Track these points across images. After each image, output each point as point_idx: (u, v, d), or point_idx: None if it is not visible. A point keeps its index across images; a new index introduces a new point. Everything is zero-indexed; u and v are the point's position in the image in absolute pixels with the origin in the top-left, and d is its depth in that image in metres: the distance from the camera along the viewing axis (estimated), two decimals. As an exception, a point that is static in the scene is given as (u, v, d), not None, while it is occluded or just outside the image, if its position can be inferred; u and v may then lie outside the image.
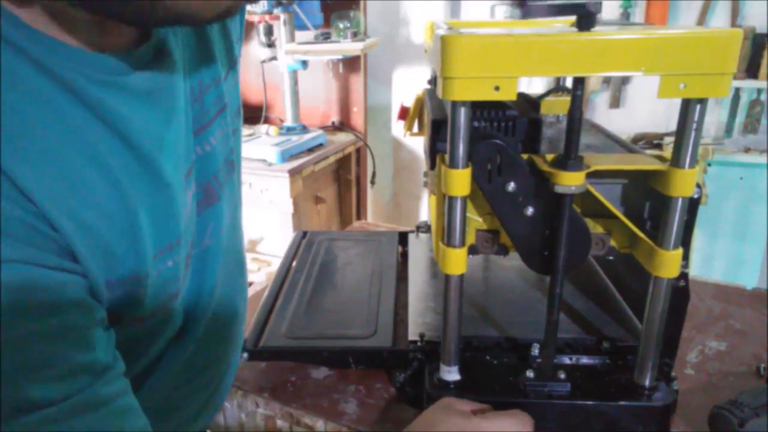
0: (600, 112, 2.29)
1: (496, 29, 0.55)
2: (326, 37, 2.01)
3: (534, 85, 2.11)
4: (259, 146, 1.91)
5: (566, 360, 0.67)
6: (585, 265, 0.85)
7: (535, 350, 0.64)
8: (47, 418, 0.34)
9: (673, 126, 1.02)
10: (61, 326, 0.35)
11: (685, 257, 0.57)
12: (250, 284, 1.11)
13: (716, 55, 0.46)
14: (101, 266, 0.38)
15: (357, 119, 2.35)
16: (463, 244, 0.57)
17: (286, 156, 1.91)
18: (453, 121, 0.52)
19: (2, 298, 0.31)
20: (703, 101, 0.50)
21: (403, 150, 2.64)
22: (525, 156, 0.56)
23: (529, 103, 0.70)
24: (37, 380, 0.34)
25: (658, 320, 0.58)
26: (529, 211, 0.56)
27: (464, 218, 0.56)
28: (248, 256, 2.05)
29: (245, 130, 2.08)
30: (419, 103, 0.91)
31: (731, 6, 2.05)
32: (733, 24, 2.05)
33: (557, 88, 0.74)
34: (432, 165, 0.63)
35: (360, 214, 2.45)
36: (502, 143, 0.55)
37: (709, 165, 2.04)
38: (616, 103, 2.26)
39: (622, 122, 2.25)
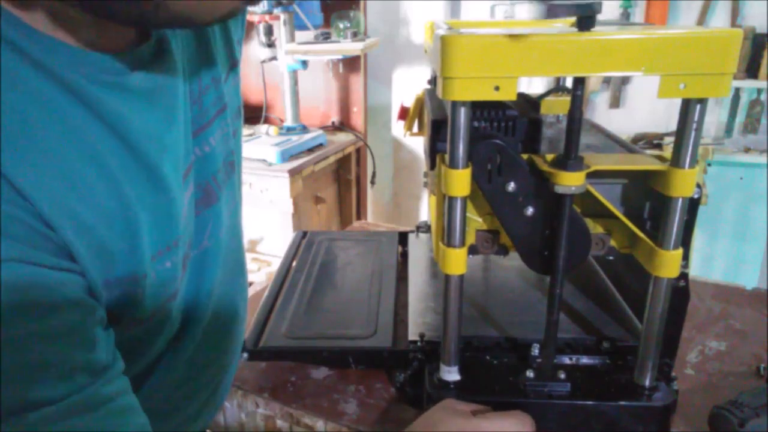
0: (600, 112, 2.29)
1: (496, 29, 0.55)
2: (326, 37, 2.01)
3: (534, 85, 2.11)
4: (259, 146, 1.92)
5: (566, 360, 0.67)
6: (585, 265, 0.85)
7: (535, 350, 0.64)
8: (47, 418, 0.34)
9: (673, 126, 1.02)
10: (61, 326, 0.35)
11: (685, 257, 0.57)
12: (250, 284, 1.11)
13: (716, 55, 0.46)
14: (99, 266, 0.38)
15: (357, 119, 2.35)
16: (463, 244, 0.57)
17: (286, 156, 1.91)
18: (453, 121, 0.52)
19: (2, 297, 0.32)
20: (703, 101, 0.50)
21: (403, 150, 2.64)
22: (525, 156, 0.56)
23: (529, 103, 0.70)
24: (36, 380, 0.34)
25: (658, 320, 0.58)
26: (529, 211, 0.56)
27: (464, 218, 0.56)
28: (248, 256, 2.05)
29: (245, 130, 2.08)
30: (419, 103, 0.91)
31: (731, 6, 2.05)
32: (733, 24, 2.05)
33: (557, 88, 0.74)
34: (432, 165, 0.63)
35: (360, 214, 2.46)
36: (502, 143, 0.55)
37: (709, 165, 2.04)
38: (616, 103, 2.26)
39: (622, 122, 2.25)
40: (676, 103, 0.50)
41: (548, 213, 0.56)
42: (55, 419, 0.34)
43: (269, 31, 1.98)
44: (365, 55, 2.27)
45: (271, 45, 1.99)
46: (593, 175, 0.54)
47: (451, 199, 0.55)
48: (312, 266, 0.94)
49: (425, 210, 2.59)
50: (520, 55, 0.47)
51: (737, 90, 2.13)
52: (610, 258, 0.61)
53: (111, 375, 0.38)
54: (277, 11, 1.89)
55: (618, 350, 0.67)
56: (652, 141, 2.12)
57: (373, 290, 0.85)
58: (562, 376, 0.61)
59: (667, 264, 0.55)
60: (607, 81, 2.23)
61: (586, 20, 0.48)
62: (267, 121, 2.29)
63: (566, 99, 0.73)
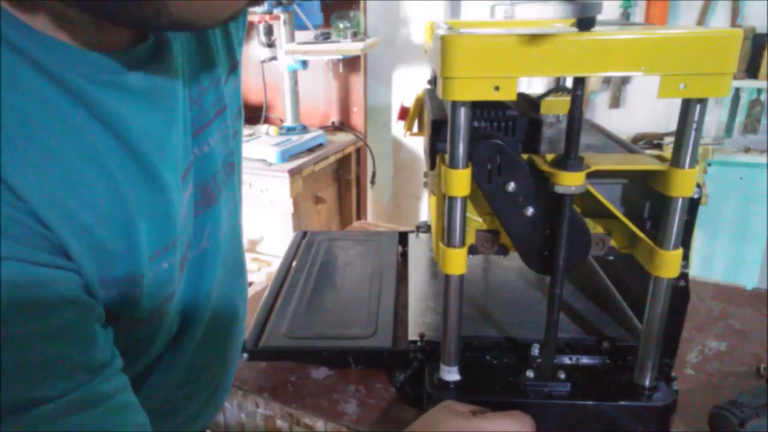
0: (600, 112, 2.29)
1: (496, 29, 0.55)
2: (326, 37, 2.01)
3: (534, 85, 2.11)
4: (259, 146, 1.92)
5: (566, 360, 0.67)
6: (585, 265, 0.85)
7: (535, 350, 0.64)
8: (45, 416, 0.34)
9: (673, 126, 1.02)
10: (59, 324, 0.35)
11: (685, 257, 0.57)
12: (250, 284, 1.11)
13: (716, 55, 0.46)
14: (96, 265, 0.38)
15: (357, 119, 2.35)
16: (463, 244, 0.57)
17: (286, 156, 1.91)
18: (453, 121, 0.52)
19: (1, 295, 0.32)
20: (703, 101, 0.50)
21: (403, 150, 2.64)
22: (525, 156, 0.56)
23: (529, 103, 0.70)
24: (35, 378, 0.34)
25: (658, 320, 0.58)
26: (529, 211, 0.56)
27: (464, 218, 0.56)
28: (248, 256, 2.05)
29: (245, 130, 2.08)
30: (419, 103, 0.91)
31: (731, 6, 2.05)
32: (733, 24, 2.05)
33: (557, 88, 0.74)
34: (432, 165, 0.63)
35: (360, 214, 2.45)
36: (502, 143, 0.55)
37: (709, 165, 2.04)
38: (616, 103, 2.26)
39: (622, 122, 2.25)
40: (676, 103, 0.50)
41: (548, 213, 0.56)
42: (54, 417, 0.34)
43: (269, 31, 1.98)
44: (365, 55, 2.27)
45: (271, 45, 1.99)
46: (593, 175, 0.54)
47: (451, 199, 0.55)
48: (312, 266, 0.94)
49: (425, 210, 2.59)
50: (520, 55, 0.47)
51: (737, 90, 2.13)
52: (610, 258, 0.61)
53: (109, 372, 0.38)
54: (277, 11, 1.89)
55: (618, 350, 0.67)
56: (652, 141, 2.12)
57: (373, 290, 0.85)
58: (562, 376, 0.61)
59: (667, 264, 0.55)
60: (607, 81, 2.23)
61: (586, 20, 0.48)
62: (267, 121, 2.29)
63: (566, 99, 0.73)
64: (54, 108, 0.36)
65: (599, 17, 0.48)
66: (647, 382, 0.61)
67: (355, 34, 1.98)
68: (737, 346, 0.79)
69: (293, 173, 1.86)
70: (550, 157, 0.55)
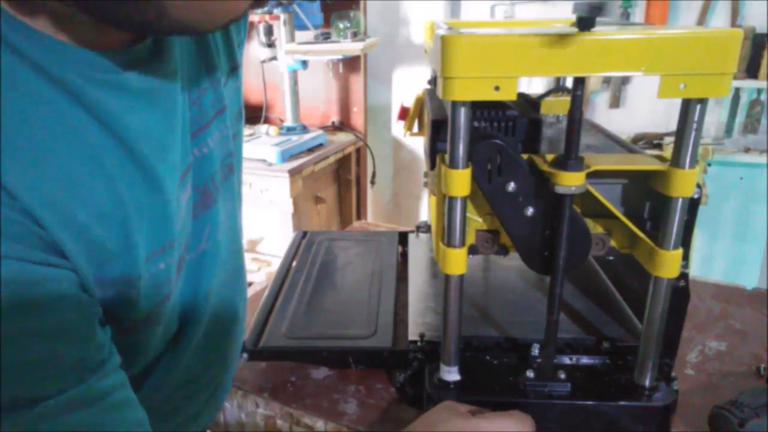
0: (600, 112, 2.29)
1: (496, 29, 0.55)
2: (326, 37, 2.01)
3: (534, 85, 2.11)
4: (259, 146, 1.92)
5: (566, 360, 0.67)
6: (585, 265, 0.85)
7: (535, 350, 0.64)
8: (45, 413, 0.34)
9: (673, 126, 1.02)
10: (56, 321, 0.35)
11: (685, 257, 0.57)
12: (250, 284, 1.11)
13: (716, 55, 0.46)
14: (92, 264, 0.38)
15: (357, 119, 2.35)
16: (463, 244, 0.57)
17: (286, 156, 1.91)
18: (453, 121, 0.52)
19: (1, 294, 0.32)
20: (703, 101, 0.50)
21: (403, 150, 2.64)
22: (525, 156, 0.56)
23: (529, 103, 0.70)
24: (33, 376, 0.34)
25: (658, 320, 0.58)
26: (529, 211, 0.56)
27: (464, 218, 0.56)
28: (248, 256, 2.05)
29: (245, 130, 2.08)
30: (419, 103, 0.91)
31: (731, 6, 2.05)
32: (733, 24, 2.05)
33: (557, 88, 0.74)
34: (432, 165, 0.63)
35: (360, 214, 2.46)
36: (502, 143, 0.55)
37: (709, 165, 2.05)
38: (616, 103, 2.26)
39: (622, 122, 2.25)
40: (676, 103, 0.50)
41: (548, 213, 0.56)
42: (53, 414, 0.35)
43: (269, 31, 1.98)
44: (365, 55, 2.27)
45: (271, 45, 1.99)
46: (593, 175, 0.54)
47: (451, 199, 0.55)
48: (312, 266, 0.94)
49: (425, 210, 2.59)
50: (520, 55, 0.47)
51: (737, 90, 2.13)
52: (610, 258, 0.61)
53: (107, 369, 0.38)
54: (277, 11, 1.89)
55: (618, 350, 0.67)
56: (652, 141, 2.12)
57: (373, 290, 0.85)
58: (562, 376, 0.61)
59: (667, 264, 0.55)
60: (607, 81, 2.23)
61: (586, 20, 0.48)
62: (267, 121, 2.29)
63: (566, 99, 0.73)
64: (53, 108, 0.36)
65: (599, 17, 0.48)
66: (647, 382, 0.61)
67: (355, 34, 1.98)
68: (737, 346, 0.79)
69: (293, 173, 1.86)
70: (550, 157, 0.55)
